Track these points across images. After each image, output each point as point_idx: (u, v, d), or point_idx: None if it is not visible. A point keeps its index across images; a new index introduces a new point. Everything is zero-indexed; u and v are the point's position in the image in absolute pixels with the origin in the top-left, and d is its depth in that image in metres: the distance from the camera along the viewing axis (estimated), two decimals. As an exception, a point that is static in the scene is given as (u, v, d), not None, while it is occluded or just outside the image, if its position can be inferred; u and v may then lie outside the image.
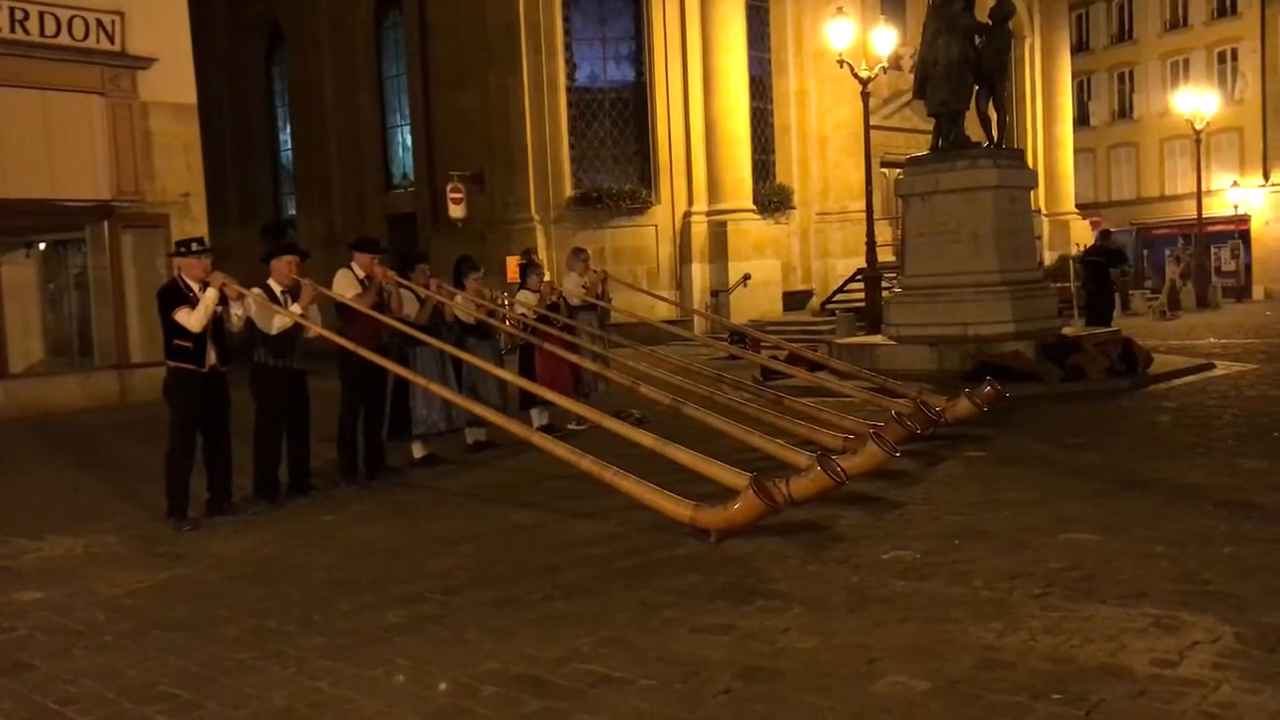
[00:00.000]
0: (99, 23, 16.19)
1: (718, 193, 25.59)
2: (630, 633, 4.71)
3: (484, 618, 5.05)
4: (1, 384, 15.62)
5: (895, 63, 25.04)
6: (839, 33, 21.68)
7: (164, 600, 5.73)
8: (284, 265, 8.07)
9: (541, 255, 21.77)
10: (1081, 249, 25.00)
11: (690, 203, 25.72)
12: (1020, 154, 17.34)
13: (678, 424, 8.43)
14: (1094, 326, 17.19)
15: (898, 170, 19.50)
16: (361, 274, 8.88)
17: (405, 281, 9.25)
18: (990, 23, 15.17)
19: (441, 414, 9.38)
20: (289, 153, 33.45)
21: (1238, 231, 38.26)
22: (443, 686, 4.17)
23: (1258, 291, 36.67)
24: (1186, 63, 41.41)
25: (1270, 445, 8.55)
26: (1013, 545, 5.80)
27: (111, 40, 16.37)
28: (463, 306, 9.86)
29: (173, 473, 7.52)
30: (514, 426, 7.47)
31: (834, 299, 25.74)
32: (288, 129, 33.36)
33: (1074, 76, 39.20)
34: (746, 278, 24.44)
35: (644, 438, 7.04)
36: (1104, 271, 18.49)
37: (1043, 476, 7.65)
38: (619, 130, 25.90)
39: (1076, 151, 38.40)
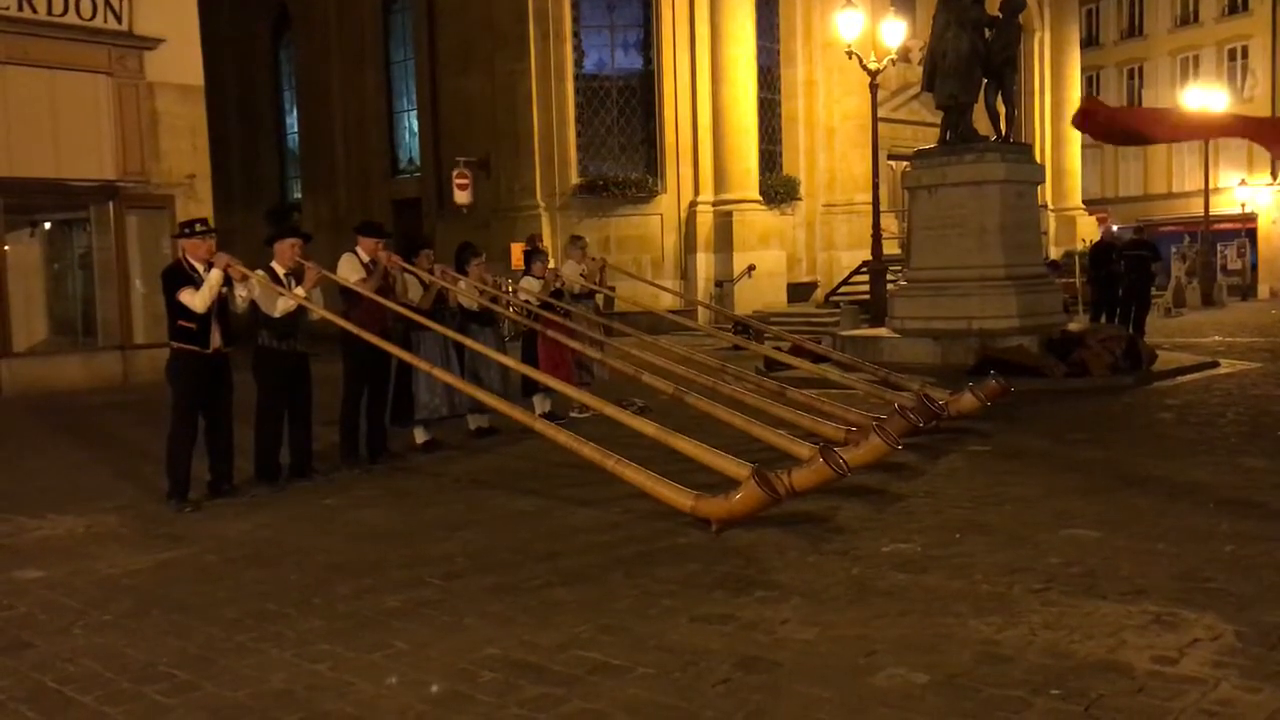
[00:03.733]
0: (106, 2, 16.17)
1: (724, 183, 25.55)
2: (629, 621, 4.71)
3: (483, 603, 5.05)
4: (5, 362, 15.64)
5: (904, 55, 24.99)
6: (848, 24, 21.62)
7: (164, 581, 5.74)
8: (287, 248, 8.06)
9: (546, 242, 21.74)
10: (1088, 244, 24.89)
11: (696, 192, 25.68)
12: (1028, 148, 17.28)
13: (680, 413, 8.42)
14: (1126, 322, 17.24)
15: (905, 163, 19.49)
16: (366, 258, 8.88)
17: (409, 266, 9.24)
18: (1000, 16, 15.12)
19: (444, 399, 9.38)
20: (295, 136, 33.45)
21: (1244, 230, 38.17)
22: (434, 689, 4.11)
23: (1263, 290, 36.61)
24: (1196, 59, 41.29)
25: (1273, 444, 8.53)
26: (1014, 540, 5.80)
27: (119, 20, 16.35)
28: (466, 293, 9.85)
29: (174, 454, 7.51)
30: (516, 413, 7.47)
31: (839, 291, 25.70)
32: (294, 112, 33.34)
33: (1083, 71, 39.07)
34: (751, 268, 24.38)
35: (646, 426, 7.03)
36: (1147, 265, 18.34)
37: (1045, 472, 7.64)
38: (626, 118, 25.85)
39: (1084, 147, 38.28)
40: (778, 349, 12.24)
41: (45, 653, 4.64)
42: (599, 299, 12.01)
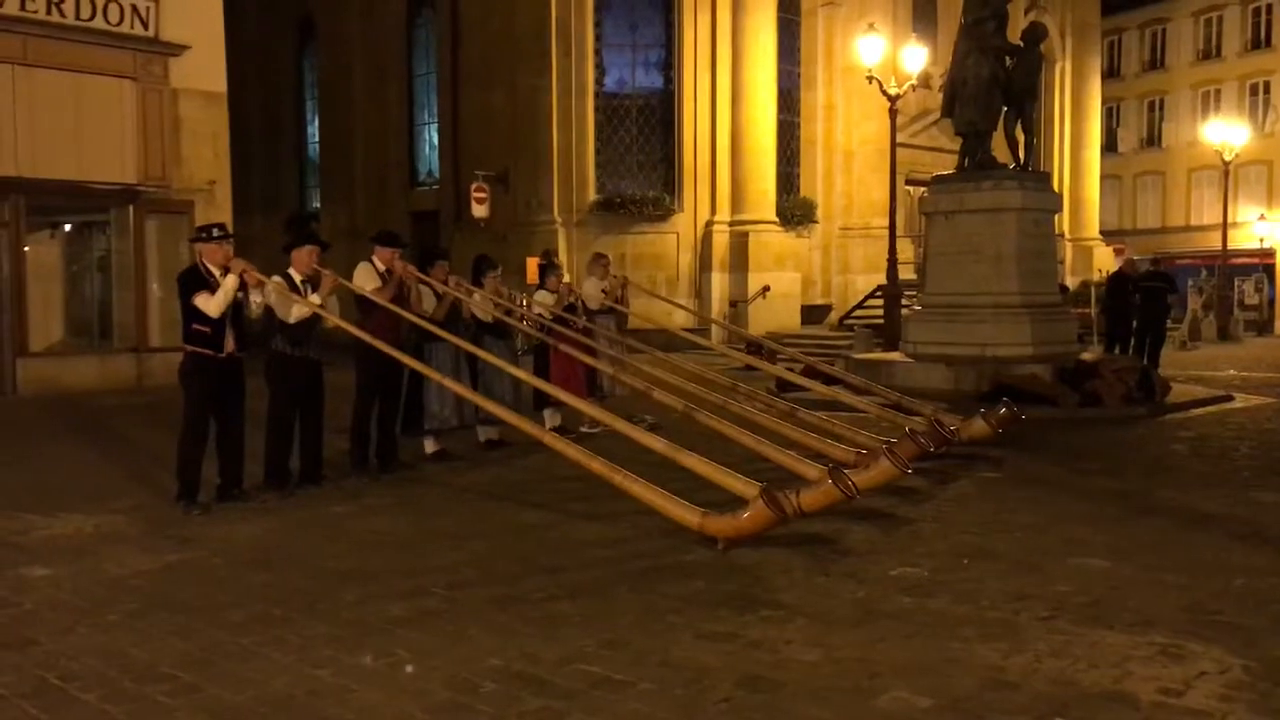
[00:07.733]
0: (133, 8, 16.33)
1: (741, 203, 25.58)
2: (633, 636, 4.70)
3: (487, 614, 5.04)
4: (21, 362, 15.73)
5: (924, 81, 25.01)
6: (869, 49, 21.66)
7: (170, 582, 5.75)
8: (305, 255, 8.11)
9: (562, 258, 21.78)
10: (1105, 275, 24.79)
11: (713, 212, 25.71)
12: (1046, 177, 17.28)
13: (690, 431, 8.41)
14: (1141, 354, 17.14)
15: (922, 188, 19.47)
16: (382, 268, 8.91)
17: (425, 277, 9.27)
18: (1022, 44, 15.15)
19: (454, 410, 9.40)
20: (316, 145, 33.65)
21: (1262, 265, 37.95)
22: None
23: (1280, 326, 36.40)
24: (1218, 93, 41.24)
25: (1287, 479, 8.47)
26: (1022, 567, 5.77)
27: (145, 26, 16.50)
28: (480, 305, 9.87)
29: (185, 457, 7.55)
30: (526, 425, 7.48)
31: (853, 314, 25.68)
32: (315, 122, 33.55)
33: (1104, 102, 39.07)
34: (766, 289, 24.42)
35: (655, 443, 7.03)
36: (1163, 297, 18.25)
37: (1055, 500, 7.60)
38: (645, 137, 25.92)
39: (1103, 178, 38.25)
40: (790, 370, 12.22)
41: (49, 650, 4.65)
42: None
